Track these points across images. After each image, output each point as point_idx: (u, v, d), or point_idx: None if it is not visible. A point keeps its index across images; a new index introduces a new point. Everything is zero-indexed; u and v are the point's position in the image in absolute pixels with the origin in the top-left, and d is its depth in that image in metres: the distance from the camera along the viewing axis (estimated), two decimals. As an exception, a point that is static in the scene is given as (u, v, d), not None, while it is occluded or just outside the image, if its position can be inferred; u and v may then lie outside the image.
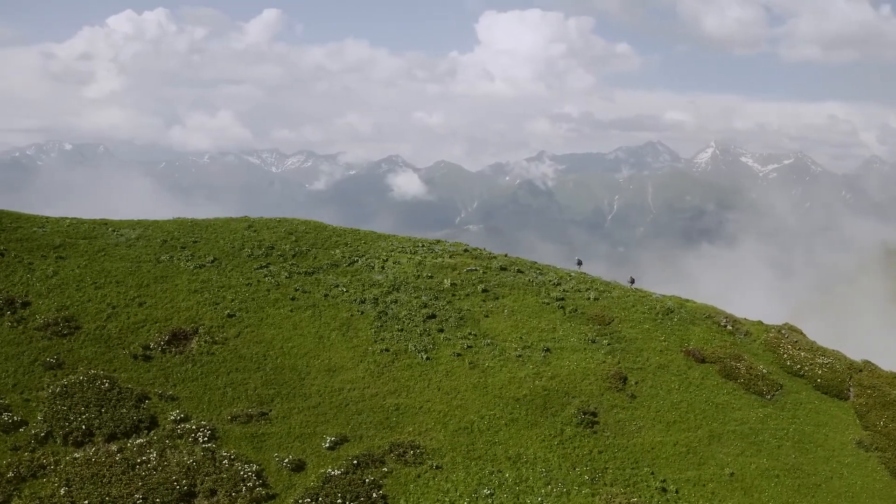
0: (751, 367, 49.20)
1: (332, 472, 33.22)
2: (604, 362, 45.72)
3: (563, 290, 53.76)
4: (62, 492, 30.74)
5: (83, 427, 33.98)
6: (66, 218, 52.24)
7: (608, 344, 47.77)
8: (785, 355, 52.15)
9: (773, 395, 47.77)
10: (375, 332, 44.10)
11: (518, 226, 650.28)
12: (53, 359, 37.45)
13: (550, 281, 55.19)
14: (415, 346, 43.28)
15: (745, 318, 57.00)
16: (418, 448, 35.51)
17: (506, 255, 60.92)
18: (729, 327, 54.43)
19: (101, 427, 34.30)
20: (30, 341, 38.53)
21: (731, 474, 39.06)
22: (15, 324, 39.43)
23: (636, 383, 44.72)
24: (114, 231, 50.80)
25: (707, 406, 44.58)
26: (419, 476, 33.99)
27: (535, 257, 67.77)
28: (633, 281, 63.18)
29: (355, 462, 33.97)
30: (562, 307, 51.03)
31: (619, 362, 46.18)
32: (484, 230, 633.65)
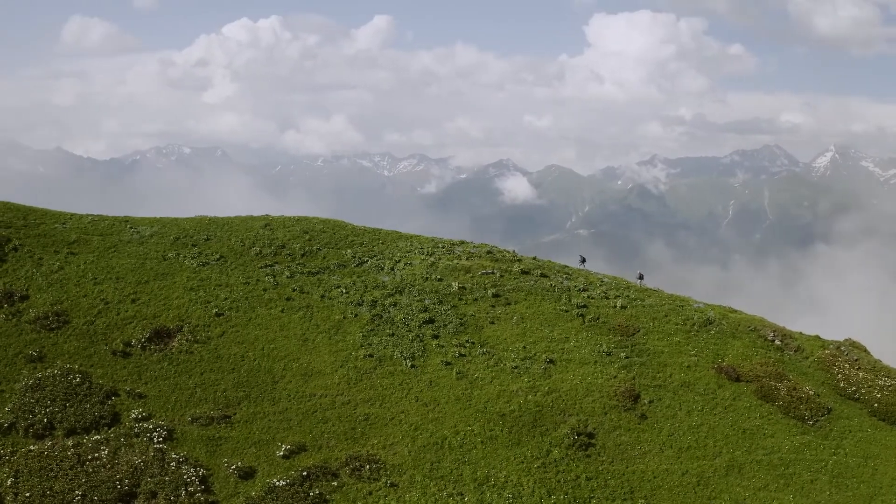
0: (794, 388, 43.62)
1: (278, 483, 31.47)
2: (615, 377, 41.66)
3: (588, 297, 49.77)
4: (9, 483, 30.71)
5: (45, 420, 33.93)
6: (89, 215, 53.29)
7: (625, 357, 43.57)
8: (839, 375, 46.04)
9: (817, 420, 42.07)
10: (364, 336, 41.94)
11: (629, 230, 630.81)
12: (36, 352, 37.76)
13: (576, 286, 51.26)
14: (402, 352, 40.80)
15: (799, 333, 50.89)
16: (377, 462, 33.15)
17: (534, 259, 57.30)
18: (777, 342, 48.72)
19: (63, 421, 34.12)
20: (19, 334, 39.08)
21: (746, 511, 34.37)
22: (10, 316, 40.13)
23: (650, 402, 40.44)
24: (131, 228, 51.34)
25: (732, 431, 39.67)
26: (370, 493, 31.64)
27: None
28: (641, 277, 58.56)
29: (304, 473, 32.06)
30: (582, 315, 47.12)
31: (633, 378, 41.96)
32: (595, 235, 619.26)
